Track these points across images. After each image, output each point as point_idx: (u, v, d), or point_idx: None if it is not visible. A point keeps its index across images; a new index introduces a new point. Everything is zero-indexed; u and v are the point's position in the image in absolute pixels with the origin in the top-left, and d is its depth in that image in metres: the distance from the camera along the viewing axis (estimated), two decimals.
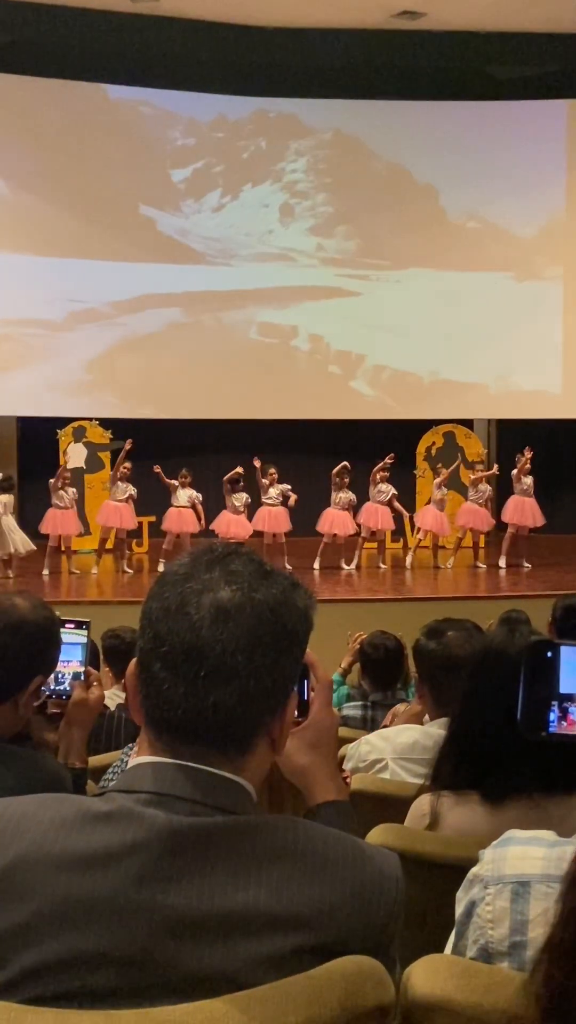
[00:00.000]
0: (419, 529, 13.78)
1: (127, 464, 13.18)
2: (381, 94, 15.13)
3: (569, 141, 15.42)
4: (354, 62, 14.63)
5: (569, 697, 1.64)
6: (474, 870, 1.53)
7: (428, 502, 13.87)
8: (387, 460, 13.48)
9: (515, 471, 13.69)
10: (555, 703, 1.64)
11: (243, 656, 1.32)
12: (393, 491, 13.51)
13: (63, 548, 13.07)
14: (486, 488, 13.84)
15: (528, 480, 13.59)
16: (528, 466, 13.59)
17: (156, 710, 1.34)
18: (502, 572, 13.43)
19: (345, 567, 13.41)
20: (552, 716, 1.64)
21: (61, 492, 12.96)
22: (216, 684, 1.31)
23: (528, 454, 13.65)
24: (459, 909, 1.54)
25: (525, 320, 15.42)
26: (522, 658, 2.30)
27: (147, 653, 1.35)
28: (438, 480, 13.76)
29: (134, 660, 1.40)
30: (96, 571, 13.09)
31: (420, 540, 13.77)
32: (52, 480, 13.01)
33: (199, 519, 13.11)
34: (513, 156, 15.32)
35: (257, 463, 13.24)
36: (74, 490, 13.24)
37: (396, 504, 13.56)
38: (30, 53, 13.93)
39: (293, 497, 13.14)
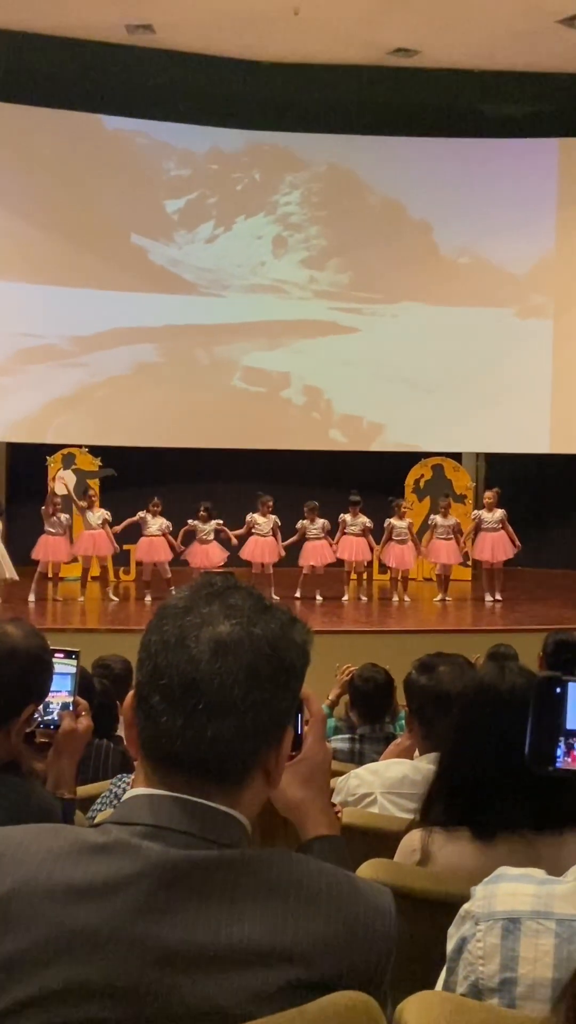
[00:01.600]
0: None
1: (93, 491, 13.23)
2: (375, 130, 15.26)
3: (560, 179, 15.57)
4: (349, 98, 14.76)
5: (575, 733, 1.64)
6: (465, 907, 1.53)
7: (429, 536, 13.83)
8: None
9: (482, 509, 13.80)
10: (562, 739, 1.64)
11: (241, 690, 1.32)
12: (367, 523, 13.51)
13: (51, 575, 13.05)
14: (451, 522, 13.72)
15: (496, 515, 13.55)
16: (493, 500, 13.60)
17: (154, 742, 1.35)
18: (489, 605, 13.46)
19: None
20: (559, 751, 1.64)
21: (54, 519, 12.95)
22: (214, 717, 1.32)
23: (491, 492, 13.77)
24: (450, 945, 1.54)
25: (515, 355, 15.50)
26: (515, 695, 2.32)
27: (146, 685, 1.35)
28: (438, 515, 13.82)
29: (131, 693, 1.40)
30: (83, 599, 13.07)
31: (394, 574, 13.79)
32: (44, 507, 13.01)
33: (171, 547, 13.12)
34: (505, 193, 15.45)
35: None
36: (67, 516, 13.24)
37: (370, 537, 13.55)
38: (26, 82, 14.02)
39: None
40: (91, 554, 13.29)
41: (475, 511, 14.13)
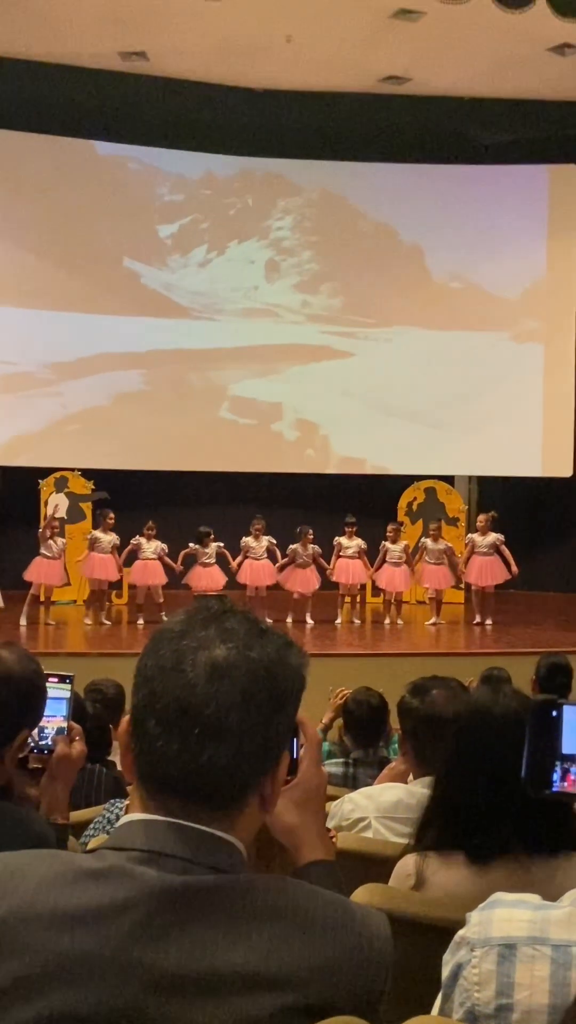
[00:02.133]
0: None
1: (111, 515, 13.19)
2: (366, 156, 15.36)
3: (550, 205, 15.67)
4: (340, 124, 14.86)
5: (571, 758, 1.65)
6: (461, 932, 1.53)
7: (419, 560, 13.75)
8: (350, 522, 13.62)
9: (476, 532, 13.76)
10: (558, 763, 1.65)
11: (237, 714, 1.32)
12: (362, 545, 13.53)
13: (43, 599, 13.02)
14: (442, 546, 13.65)
15: (488, 539, 13.52)
16: (485, 524, 13.60)
17: (149, 767, 1.34)
18: (477, 628, 13.45)
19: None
20: (555, 775, 1.65)
21: (50, 542, 12.90)
22: (210, 742, 1.32)
23: (485, 515, 13.76)
24: (445, 971, 1.54)
25: (507, 379, 15.57)
26: (509, 719, 2.32)
27: (142, 710, 1.35)
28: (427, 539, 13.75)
29: (126, 717, 1.40)
30: (90, 622, 13.01)
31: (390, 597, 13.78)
32: (41, 530, 12.99)
33: (169, 570, 13.10)
34: (495, 219, 15.55)
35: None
36: (63, 540, 13.19)
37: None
38: (19, 108, 14.09)
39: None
40: (102, 577, 13.16)
41: (468, 535, 14.13)
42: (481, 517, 13.86)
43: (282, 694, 1.38)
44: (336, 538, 13.46)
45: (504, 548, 13.49)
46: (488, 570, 13.48)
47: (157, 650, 1.36)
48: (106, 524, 13.16)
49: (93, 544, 13.09)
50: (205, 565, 13.08)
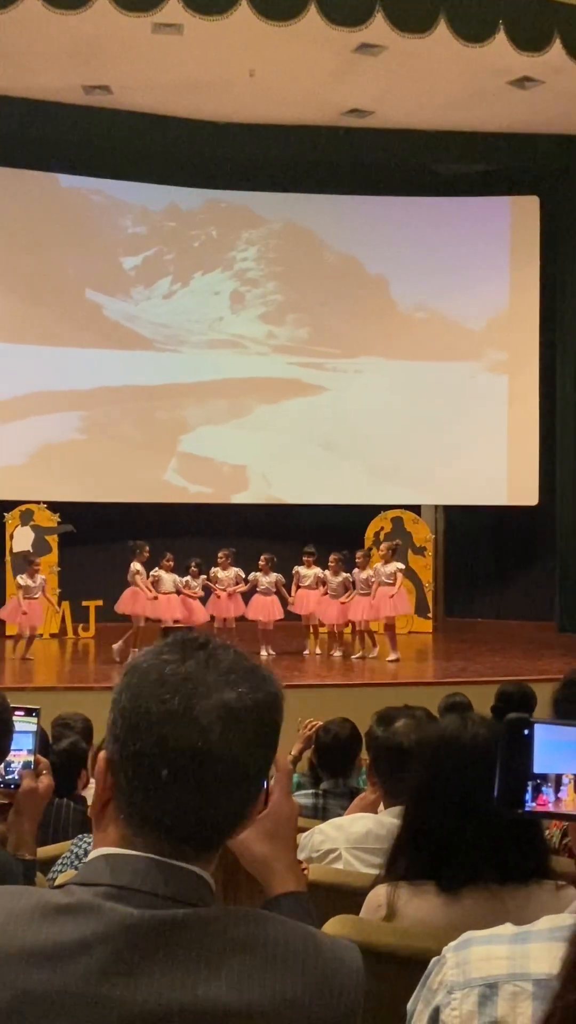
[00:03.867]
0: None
1: (169, 558, 12.93)
2: (330, 188, 15.48)
3: (513, 236, 15.83)
4: (304, 157, 14.97)
5: (542, 777, 1.64)
6: (435, 978, 1.49)
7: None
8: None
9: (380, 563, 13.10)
10: (530, 782, 1.64)
11: (251, 758, 1.34)
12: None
13: (27, 635, 12.70)
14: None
15: (390, 568, 12.98)
16: (386, 553, 13.08)
17: (153, 813, 1.32)
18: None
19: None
20: (527, 794, 1.64)
21: (30, 582, 12.65)
22: (229, 788, 1.32)
23: (385, 544, 13.30)
24: (420, 1021, 1.49)
25: (471, 409, 15.66)
26: (478, 746, 2.32)
27: (149, 758, 1.31)
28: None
29: (102, 754, 1.38)
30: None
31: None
32: (28, 570, 12.75)
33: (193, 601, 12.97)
34: (459, 250, 15.69)
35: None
36: (43, 577, 12.97)
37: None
38: None
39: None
40: (167, 616, 12.76)
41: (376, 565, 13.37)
42: (383, 545, 13.47)
43: (276, 730, 1.39)
44: (295, 567, 13.39)
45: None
46: (388, 600, 12.90)
47: (159, 694, 1.32)
48: (166, 564, 12.90)
49: (156, 584, 12.80)
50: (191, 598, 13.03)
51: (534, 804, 1.64)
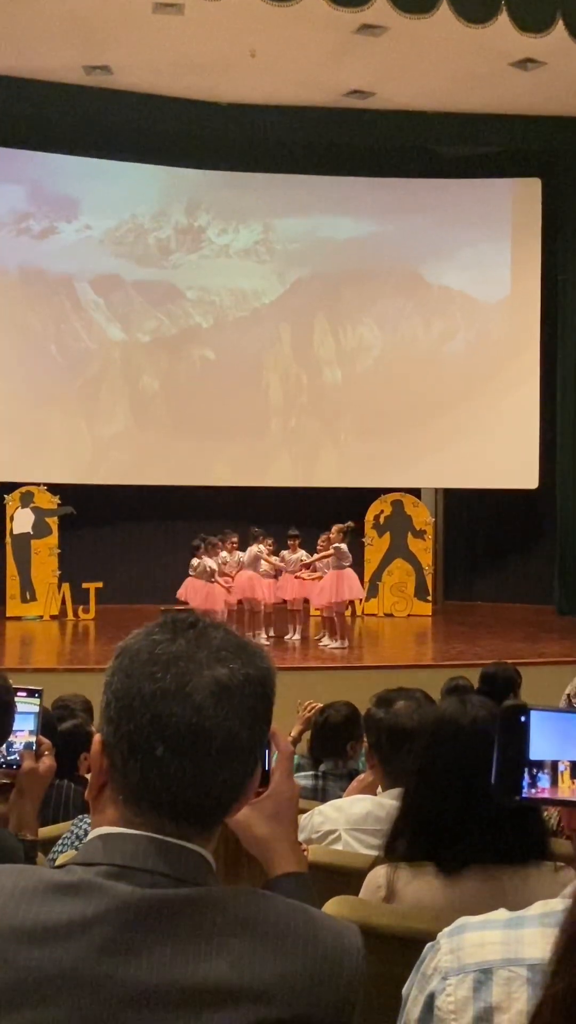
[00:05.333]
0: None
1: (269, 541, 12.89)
2: (331, 170, 15.43)
3: (514, 218, 15.78)
4: (305, 138, 14.92)
5: (538, 764, 1.65)
6: (430, 964, 1.49)
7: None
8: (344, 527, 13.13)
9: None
10: (526, 769, 1.65)
11: (246, 732, 1.35)
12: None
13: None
14: (297, 557, 13.08)
15: (299, 555, 13.06)
16: (337, 536, 12.90)
17: (151, 791, 1.33)
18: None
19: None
20: (524, 781, 1.65)
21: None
22: (226, 762, 1.33)
23: (338, 526, 12.99)
24: (415, 1007, 1.49)
25: (473, 392, 15.63)
26: (478, 728, 2.33)
27: (144, 736, 1.32)
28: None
29: (97, 736, 1.39)
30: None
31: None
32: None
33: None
34: (459, 233, 15.65)
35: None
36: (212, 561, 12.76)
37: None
38: None
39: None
40: (249, 596, 12.87)
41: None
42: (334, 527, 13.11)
43: (270, 704, 1.40)
44: (281, 552, 13.23)
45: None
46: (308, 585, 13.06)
47: (153, 673, 1.33)
48: (230, 546, 13.00)
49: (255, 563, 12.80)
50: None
51: (533, 791, 1.65)
